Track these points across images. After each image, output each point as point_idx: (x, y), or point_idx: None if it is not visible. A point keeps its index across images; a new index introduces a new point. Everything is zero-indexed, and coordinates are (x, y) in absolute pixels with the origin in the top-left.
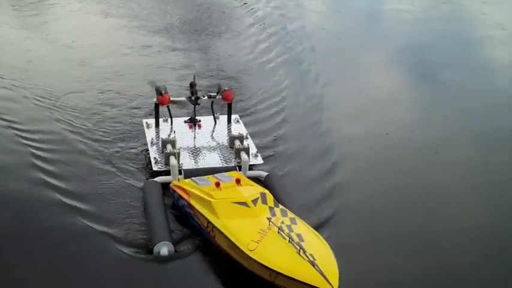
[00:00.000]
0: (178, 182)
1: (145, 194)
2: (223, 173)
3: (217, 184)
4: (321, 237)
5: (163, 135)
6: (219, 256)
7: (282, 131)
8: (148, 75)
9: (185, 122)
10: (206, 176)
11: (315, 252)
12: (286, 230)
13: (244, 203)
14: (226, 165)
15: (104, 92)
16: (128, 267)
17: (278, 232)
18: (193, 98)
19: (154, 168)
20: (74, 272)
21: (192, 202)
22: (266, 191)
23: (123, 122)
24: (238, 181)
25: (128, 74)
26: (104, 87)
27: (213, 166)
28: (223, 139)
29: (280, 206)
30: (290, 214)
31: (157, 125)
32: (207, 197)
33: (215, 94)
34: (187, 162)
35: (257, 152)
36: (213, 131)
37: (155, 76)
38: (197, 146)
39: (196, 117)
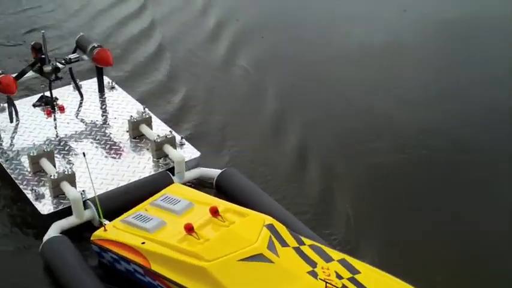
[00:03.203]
0: (105, 233)
1: (58, 272)
2: (166, 194)
3: (189, 228)
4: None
5: (17, 139)
6: None
7: None
8: None
9: (35, 106)
10: (143, 208)
11: None
12: None
13: (260, 256)
14: (151, 172)
15: None
16: None
17: None
18: (49, 68)
19: (43, 210)
20: None
21: (157, 269)
22: (268, 218)
23: None
24: (214, 211)
25: None
26: None
27: (133, 179)
28: (111, 120)
29: (305, 240)
30: (330, 252)
31: None
32: (190, 259)
33: (77, 56)
34: (83, 182)
35: (182, 137)
36: (78, 110)
37: None
38: (76, 145)
39: (47, 95)
